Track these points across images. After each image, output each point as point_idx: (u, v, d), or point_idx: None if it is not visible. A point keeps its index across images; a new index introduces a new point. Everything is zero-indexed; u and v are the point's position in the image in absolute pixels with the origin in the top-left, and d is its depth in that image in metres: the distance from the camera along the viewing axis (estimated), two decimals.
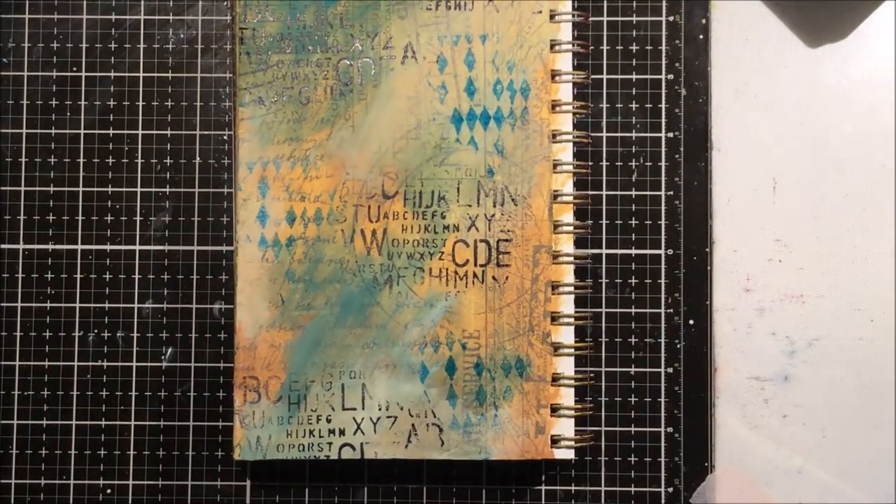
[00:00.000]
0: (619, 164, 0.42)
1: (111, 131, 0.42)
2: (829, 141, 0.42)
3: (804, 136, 0.42)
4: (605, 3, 0.42)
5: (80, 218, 0.42)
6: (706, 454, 0.42)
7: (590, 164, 0.42)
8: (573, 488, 0.42)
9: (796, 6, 0.43)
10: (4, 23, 0.43)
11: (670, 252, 0.42)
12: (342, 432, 0.40)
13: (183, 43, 0.43)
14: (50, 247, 0.42)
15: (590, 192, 0.42)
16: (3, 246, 0.42)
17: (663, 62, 0.42)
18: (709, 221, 0.42)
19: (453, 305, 0.40)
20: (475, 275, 0.40)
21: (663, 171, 0.42)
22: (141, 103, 0.42)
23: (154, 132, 0.42)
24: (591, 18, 0.42)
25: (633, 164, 0.42)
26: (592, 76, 0.42)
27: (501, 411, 0.40)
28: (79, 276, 0.42)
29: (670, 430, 0.42)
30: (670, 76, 0.42)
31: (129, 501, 0.42)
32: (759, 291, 0.42)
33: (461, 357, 0.40)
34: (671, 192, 0.42)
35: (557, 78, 0.40)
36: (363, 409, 0.40)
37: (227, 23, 0.43)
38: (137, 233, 0.42)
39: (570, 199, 0.40)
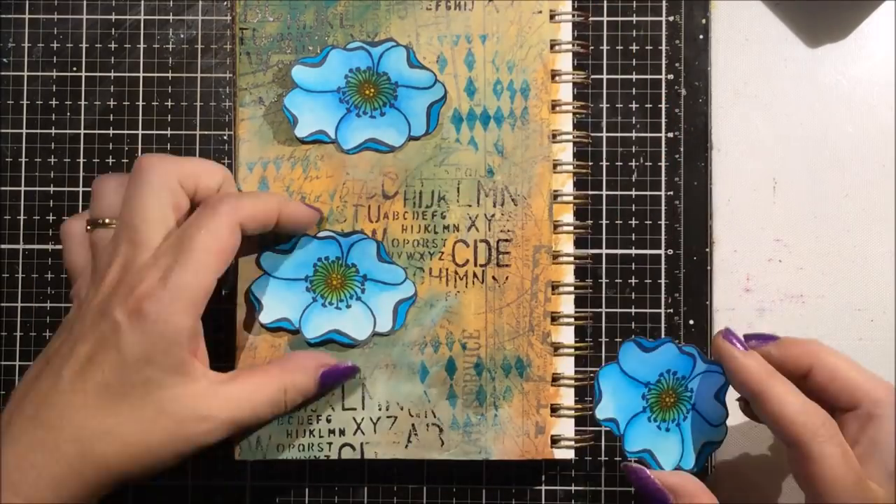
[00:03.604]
0: (619, 164, 0.42)
1: (111, 131, 0.43)
2: (829, 141, 0.42)
3: (804, 136, 0.42)
4: (605, 3, 0.42)
5: None
6: None
7: (590, 164, 0.42)
8: (573, 488, 0.42)
9: (796, 6, 0.43)
10: (4, 23, 0.43)
11: (670, 252, 0.42)
12: (342, 432, 0.40)
13: (183, 43, 0.43)
14: (50, 247, 0.42)
15: (590, 192, 0.42)
16: (3, 246, 0.42)
17: (663, 62, 0.42)
18: (709, 221, 0.42)
19: (453, 305, 0.40)
20: (475, 275, 0.40)
21: (663, 171, 0.42)
22: (141, 103, 0.42)
23: (154, 132, 0.42)
24: (591, 18, 0.42)
25: (633, 164, 0.42)
26: (592, 76, 0.42)
27: (501, 411, 0.40)
28: None
29: None
30: (670, 76, 0.42)
31: (130, 501, 0.42)
32: (759, 291, 0.42)
33: (461, 357, 0.40)
34: (671, 192, 0.42)
35: (557, 78, 0.40)
36: (363, 409, 0.40)
37: (227, 23, 0.43)
38: None
39: (570, 199, 0.40)
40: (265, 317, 0.39)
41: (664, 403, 0.37)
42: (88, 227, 0.35)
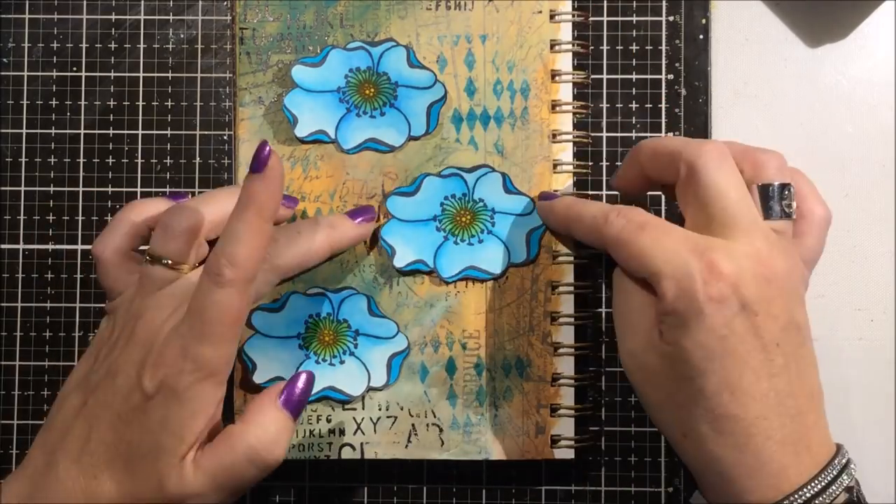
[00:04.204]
0: (619, 164, 0.42)
1: (111, 131, 0.43)
2: (829, 141, 0.42)
3: (804, 136, 0.42)
4: (605, 3, 0.42)
5: (80, 218, 0.42)
6: None
7: (590, 164, 0.42)
8: (573, 488, 0.42)
9: (796, 6, 0.43)
10: (4, 23, 0.43)
11: None
12: (342, 432, 0.40)
13: (183, 43, 0.43)
14: (50, 247, 0.42)
15: (590, 192, 0.42)
16: (3, 246, 0.42)
17: (663, 62, 0.42)
18: None
19: (453, 305, 0.40)
20: None
21: None
22: (141, 103, 0.42)
23: (154, 132, 0.42)
24: (591, 18, 0.42)
25: None
26: (592, 76, 0.42)
27: (501, 411, 0.40)
28: (79, 276, 0.42)
29: None
30: (670, 76, 0.42)
31: None
32: None
33: (461, 357, 0.40)
34: None
35: (557, 78, 0.40)
36: (363, 409, 0.40)
37: (227, 23, 0.43)
38: None
39: None
40: (259, 377, 0.39)
41: (463, 223, 0.39)
42: (148, 259, 0.33)
